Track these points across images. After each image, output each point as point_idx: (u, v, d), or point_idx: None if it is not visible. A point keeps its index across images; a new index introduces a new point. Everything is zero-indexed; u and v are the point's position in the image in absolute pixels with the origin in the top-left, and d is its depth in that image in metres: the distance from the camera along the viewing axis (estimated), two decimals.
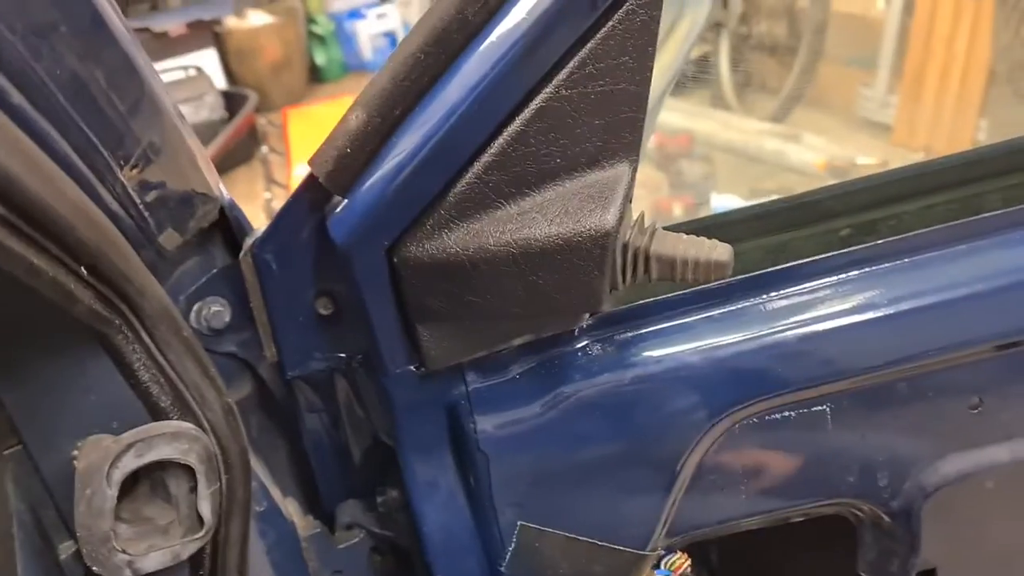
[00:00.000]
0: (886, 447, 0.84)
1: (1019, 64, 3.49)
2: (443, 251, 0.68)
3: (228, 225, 0.83)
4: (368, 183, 0.68)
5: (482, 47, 0.64)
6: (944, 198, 0.96)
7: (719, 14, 4.70)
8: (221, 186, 0.84)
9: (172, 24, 5.65)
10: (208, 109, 5.24)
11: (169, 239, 0.78)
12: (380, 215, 0.69)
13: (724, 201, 3.78)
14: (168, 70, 5.31)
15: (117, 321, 0.67)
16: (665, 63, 0.93)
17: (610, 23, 0.63)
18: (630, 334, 0.80)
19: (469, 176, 0.67)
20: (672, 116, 4.28)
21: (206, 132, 5.04)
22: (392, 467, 0.88)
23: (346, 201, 0.70)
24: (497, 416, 0.79)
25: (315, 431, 0.95)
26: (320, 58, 6.19)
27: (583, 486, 0.81)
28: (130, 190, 0.69)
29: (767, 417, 0.82)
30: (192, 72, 5.30)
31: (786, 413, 0.82)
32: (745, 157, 4.18)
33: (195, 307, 0.85)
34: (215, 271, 0.84)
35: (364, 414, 0.93)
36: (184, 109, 4.87)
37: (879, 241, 0.81)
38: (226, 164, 4.99)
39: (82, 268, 0.61)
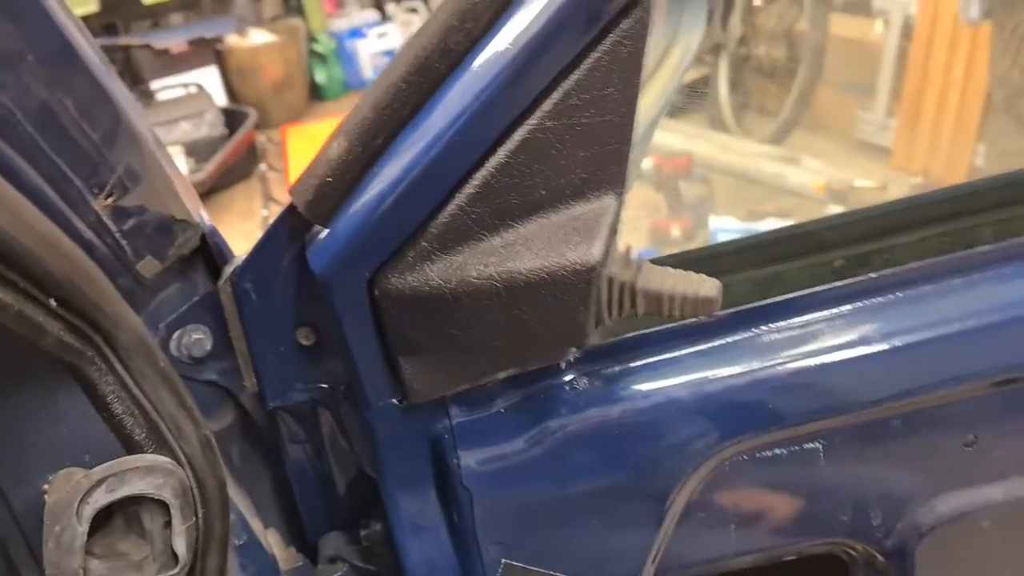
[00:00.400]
0: (880, 485, 0.83)
1: (1017, 91, 3.49)
2: (425, 283, 0.67)
3: (210, 252, 0.82)
4: (348, 213, 0.67)
5: (465, 77, 0.63)
6: (938, 231, 0.95)
7: (718, 36, 4.72)
8: (203, 212, 0.83)
9: (174, 41, 5.67)
10: (208, 126, 5.24)
11: (147, 267, 0.76)
12: (360, 246, 0.67)
13: (722, 223, 3.78)
14: (169, 87, 5.33)
15: (89, 352, 0.66)
16: (657, 90, 0.92)
17: (595, 54, 0.62)
18: (618, 368, 0.79)
19: (451, 207, 0.66)
20: (671, 138, 4.28)
21: (206, 149, 5.05)
22: (376, 500, 0.86)
23: (326, 231, 0.69)
24: (481, 451, 0.77)
25: (298, 462, 0.93)
26: (321, 77, 6.21)
27: (569, 523, 0.79)
28: (105, 218, 0.68)
29: (758, 454, 0.80)
30: (193, 89, 5.31)
31: (777, 450, 0.80)
32: (744, 179, 4.18)
33: (175, 335, 0.83)
34: (196, 299, 0.83)
35: (348, 445, 0.91)
36: (184, 126, 4.92)
37: (872, 275, 0.80)
38: (225, 181, 4.99)
39: (51, 300, 0.59)
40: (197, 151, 5.08)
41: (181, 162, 4.93)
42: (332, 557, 0.95)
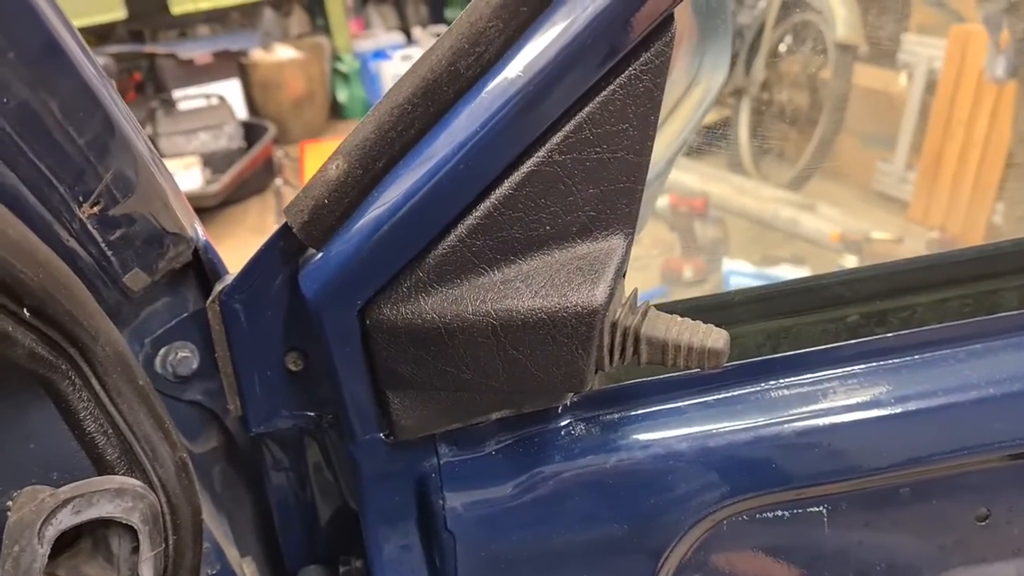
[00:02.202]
0: (885, 556, 0.78)
1: None
2: (418, 316, 0.64)
3: (203, 268, 0.79)
4: (344, 237, 0.64)
5: (473, 103, 0.60)
6: (959, 292, 0.91)
7: (741, 80, 4.71)
8: (197, 226, 0.80)
9: (199, 52, 5.71)
10: (227, 138, 5.28)
11: (135, 280, 0.73)
12: (354, 273, 0.64)
13: (735, 266, 3.74)
14: (190, 97, 5.36)
15: (64, 366, 0.63)
16: (675, 129, 0.89)
17: (611, 87, 0.59)
18: (617, 415, 0.75)
19: (451, 238, 0.63)
20: (688, 177, 4.26)
21: (223, 160, 5.07)
22: (359, 535, 0.83)
23: (320, 254, 0.66)
24: (468, 494, 0.73)
25: (281, 490, 0.90)
26: (343, 95, 6.23)
27: None
28: (90, 228, 0.65)
29: (758, 515, 0.76)
30: (214, 100, 5.34)
31: (779, 512, 0.76)
32: (759, 223, 4.15)
33: (161, 351, 0.80)
34: (185, 315, 0.80)
35: (333, 477, 0.88)
36: (203, 136, 4.94)
37: (889, 334, 0.76)
38: (240, 194, 5.00)
39: (23, 309, 0.56)
40: (214, 162, 5.10)
41: (197, 172, 4.94)
42: None
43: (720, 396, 0.75)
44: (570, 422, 0.74)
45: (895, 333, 0.76)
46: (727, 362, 0.67)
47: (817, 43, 4.52)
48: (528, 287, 0.62)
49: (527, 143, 0.60)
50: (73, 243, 0.65)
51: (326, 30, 6.37)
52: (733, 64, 4.57)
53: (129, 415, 0.68)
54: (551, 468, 0.73)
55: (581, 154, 0.61)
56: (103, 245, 0.68)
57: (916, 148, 4.22)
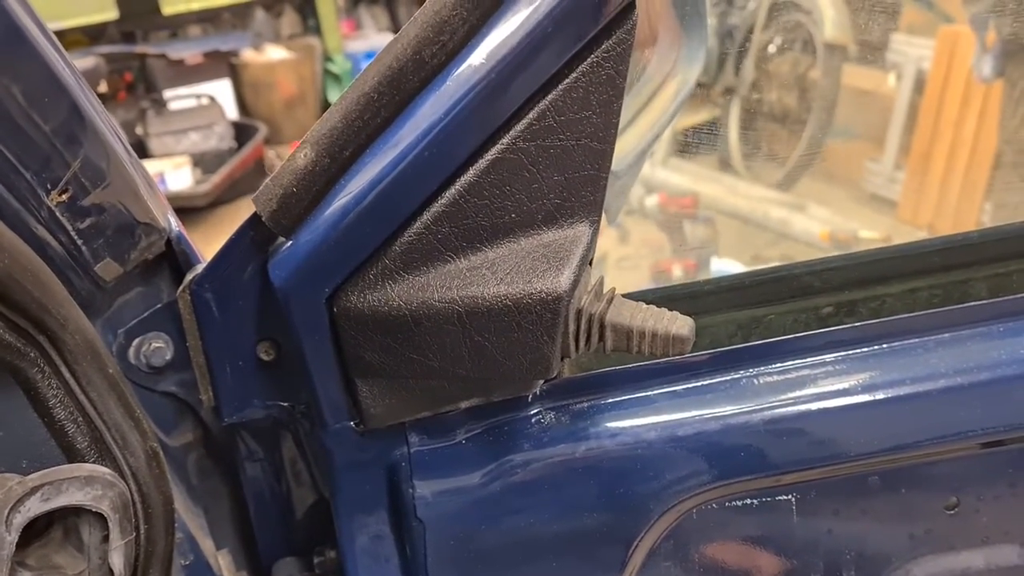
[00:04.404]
0: (854, 545, 0.79)
1: None
2: (385, 304, 0.64)
3: (176, 259, 0.79)
4: (312, 226, 0.64)
5: (438, 92, 0.60)
6: (928, 283, 0.92)
7: (731, 81, 4.72)
8: (171, 217, 0.80)
9: (189, 52, 5.69)
10: (217, 138, 5.27)
11: (107, 269, 0.73)
12: (322, 261, 0.64)
13: (724, 265, 3.75)
14: (181, 97, 5.35)
15: (32, 353, 0.63)
16: (650, 120, 0.90)
17: (574, 75, 0.60)
18: (587, 404, 0.75)
19: (417, 226, 0.63)
20: (678, 177, 4.27)
21: (213, 161, 5.06)
22: (334, 526, 0.83)
23: (289, 243, 0.66)
24: (438, 482, 0.74)
25: (256, 482, 0.90)
26: (334, 96, 6.22)
27: (526, 565, 0.76)
28: (59, 215, 0.65)
29: (728, 503, 0.76)
30: (205, 101, 5.33)
31: (748, 500, 0.76)
32: (749, 223, 4.16)
33: (135, 342, 0.80)
34: (159, 306, 0.80)
35: (307, 468, 0.88)
36: (193, 136, 4.93)
37: (858, 323, 0.77)
38: (230, 194, 4.99)
39: None
40: (205, 162, 5.09)
41: (188, 173, 4.94)
42: None
43: (690, 385, 0.76)
44: (540, 411, 0.75)
45: (864, 323, 0.77)
46: (693, 350, 0.68)
47: (806, 43, 4.53)
48: (493, 274, 0.62)
49: (491, 131, 0.61)
50: (42, 231, 0.65)
51: (317, 31, 6.37)
52: (723, 64, 4.59)
53: (99, 403, 0.68)
54: (520, 457, 0.73)
55: (545, 141, 0.61)
56: (73, 234, 0.68)
57: (905, 148, 4.23)
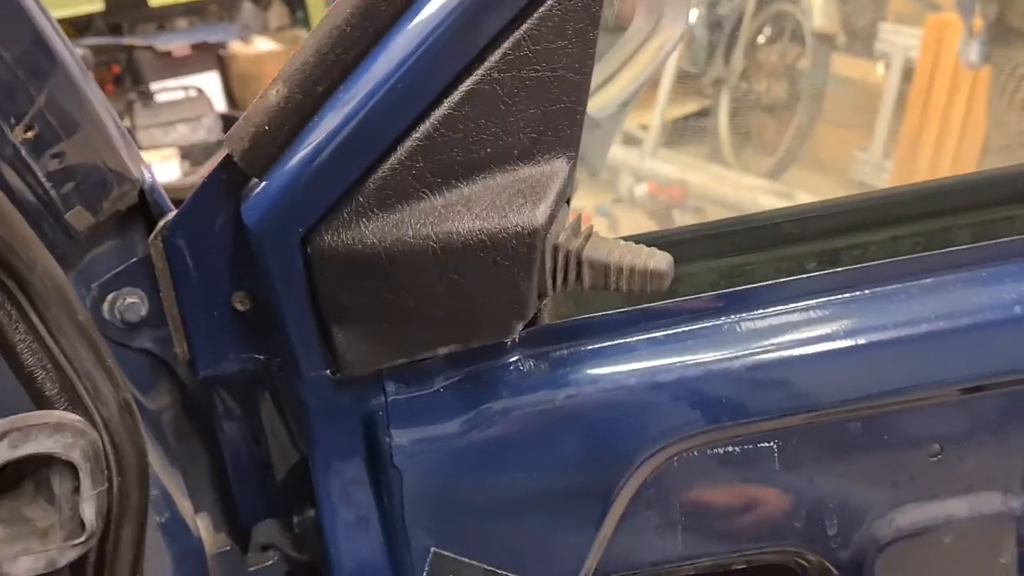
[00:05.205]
0: (836, 492, 0.78)
1: (1014, 138, 3.48)
2: (359, 242, 0.63)
3: (151, 211, 0.78)
4: (284, 165, 0.63)
5: (411, 23, 0.59)
6: (911, 230, 0.91)
7: (720, 71, 4.72)
8: (144, 169, 0.79)
9: (177, 44, 5.66)
10: (205, 130, 5.25)
11: (79, 218, 0.72)
12: (295, 200, 0.63)
13: None
14: (169, 89, 5.32)
15: None
16: (632, 75, 0.89)
17: (549, 2, 0.59)
18: (567, 351, 0.74)
19: (392, 161, 0.62)
20: (667, 166, 4.27)
21: (201, 153, 5.03)
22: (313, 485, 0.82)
23: (262, 183, 0.65)
24: (415, 431, 0.73)
25: (235, 442, 0.89)
26: None
27: (505, 513, 0.75)
28: (25, 155, 0.64)
29: (709, 451, 0.75)
30: (192, 93, 5.31)
31: (730, 448, 0.75)
32: (738, 212, 4.16)
33: (109, 297, 0.79)
34: (134, 260, 0.78)
35: (286, 427, 0.87)
36: (181, 128, 4.91)
37: (840, 269, 0.76)
38: None
39: None
40: (193, 155, 5.07)
41: (175, 165, 4.91)
42: (265, 545, 0.90)
43: (670, 332, 0.75)
44: (519, 358, 0.74)
45: (846, 268, 0.76)
46: (674, 297, 0.67)
47: (795, 33, 4.54)
48: (469, 210, 0.61)
49: (465, 61, 0.60)
50: (8, 171, 0.63)
51: (305, 23, 6.33)
52: (712, 54, 4.59)
53: (69, 350, 0.67)
54: (499, 404, 0.73)
55: (520, 72, 0.60)
56: (42, 177, 0.67)
57: (893, 137, 4.24)
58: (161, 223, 0.73)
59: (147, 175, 0.79)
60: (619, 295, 0.64)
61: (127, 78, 5.69)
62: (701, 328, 0.75)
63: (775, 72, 4.69)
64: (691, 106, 4.82)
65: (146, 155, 4.88)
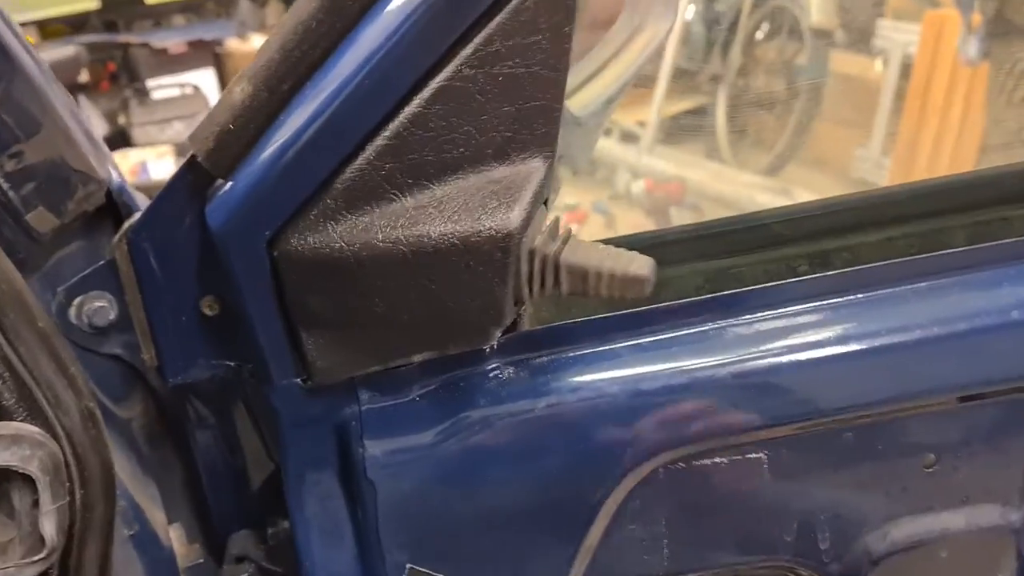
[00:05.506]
0: (828, 505, 0.75)
1: (1013, 135, 3.45)
2: (327, 245, 0.60)
3: (119, 212, 0.76)
4: (250, 165, 0.61)
5: (379, 17, 0.56)
6: (904, 231, 0.88)
7: (718, 67, 4.69)
8: (111, 168, 0.76)
9: (172, 41, 5.64)
10: None
11: (41, 220, 0.70)
12: (261, 202, 0.61)
13: None
14: (165, 86, 5.31)
15: None
16: (616, 72, 0.86)
17: None
18: (548, 358, 0.72)
19: (360, 162, 0.59)
20: (664, 163, 4.25)
21: None
22: None
23: (227, 184, 0.62)
24: (389, 441, 0.70)
25: (209, 451, 0.86)
26: None
27: (484, 528, 0.72)
28: None
29: (696, 462, 0.73)
30: (189, 90, 5.30)
31: (717, 459, 0.73)
32: (735, 209, 4.13)
33: (76, 301, 0.76)
34: (102, 263, 0.76)
35: (258, 434, 0.84)
36: (177, 126, 4.89)
37: (831, 273, 0.73)
38: None
39: None
40: (188, 152, 5.04)
41: (171, 162, 4.88)
42: (240, 557, 0.87)
43: (656, 338, 0.72)
44: (498, 365, 0.71)
45: (837, 272, 0.74)
46: (658, 301, 0.65)
47: (793, 29, 4.52)
48: (440, 212, 0.59)
49: (436, 57, 0.57)
50: None
51: None
52: (710, 51, 4.56)
53: (28, 358, 0.64)
54: (477, 413, 0.70)
55: (493, 68, 0.57)
56: None
57: (891, 133, 4.22)
58: (126, 225, 0.70)
59: (115, 175, 0.76)
60: (599, 300, 0.61)
61: (123, 75, 5.67)
62: (687, 334, 0.72)
63: (773, 68, 4.67)
64: (688, 102, 4.79)
65: (141, 152, 4.85)
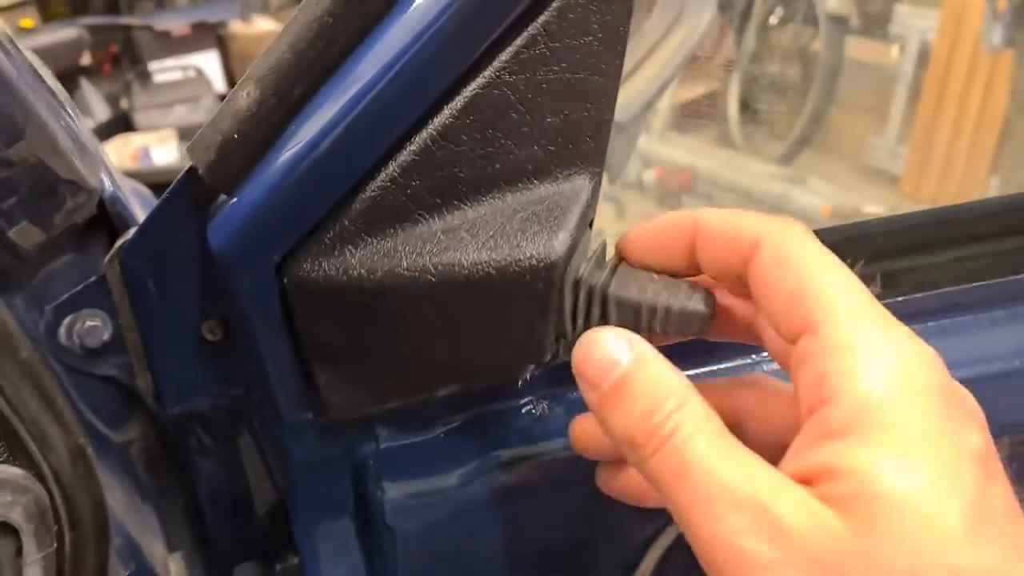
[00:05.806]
0: None
1: None
2: (344, 272, 0.53)
3: (113, 224, 0.69)
4: (258, 179, 0.53)
5: (405, 13, 0.49)
6: (979, 251, 0.81)
7: (731, 53, 4.61)
8: (104, 176, 0.69)
9: (176, 24, 5.59)
10: (204, 111, 5.19)
11: (25, 235, 0.63)
12: (269, 221, 0.53)
13: None
14: (167, 69, 5.26)
15: None
16: (654, 71, 0.79)
17: None
18: None
19: (382, 179, 0.52)
20: (676, 152, 4.19)
21: None
22: None
23: (231, 200, 0.55)
24: (411, 483, 0.63)
25: (212, 478, 0.80)
26: None
27: None
28: None
29: None
30: (192, 73, 5.24)
31: None
32: (749, 198, 4.07)
33: (66, 320, 0.70)
34: (95, 278, 0.69)
35: (265, 464, 0.78)
36: (180, 109, 4.84)
37: (899, 299, 0.66)
38: None
39: None
40: (192, 136, 4.96)
41: (174, 147, 4.82)
42: None
43: (705, 370, 0.65)
44: (531, 400, 0.64)
45: (905, 297, 0.66)
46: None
47: (808, 15, 4.44)
48: (474, 238, 0.51)
49: (470, 61, 0.49)
50: None
51: None
52: (723, 36, 4.47)
53: (10, 393, 0.58)
54: (508, 453, 0.63)
55: (536, 75, 0.50)
56: None
57: (908, 122, 4.15)
58: (118, 243, 0.63)
59: (107, 183, 0.69)
60: (651, 337, 0.54)
61: (125, 58, 5.62)
62: (739, 366, 0.65)
63: (787, 55, 4.59)
64: (700, 89, 4.71)
65: (144, 136, 4.78)
